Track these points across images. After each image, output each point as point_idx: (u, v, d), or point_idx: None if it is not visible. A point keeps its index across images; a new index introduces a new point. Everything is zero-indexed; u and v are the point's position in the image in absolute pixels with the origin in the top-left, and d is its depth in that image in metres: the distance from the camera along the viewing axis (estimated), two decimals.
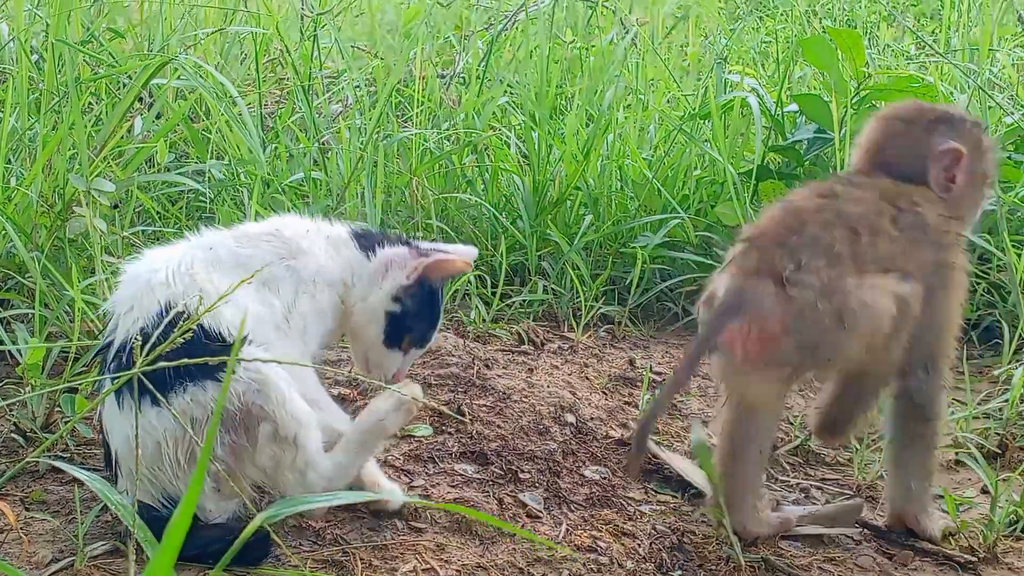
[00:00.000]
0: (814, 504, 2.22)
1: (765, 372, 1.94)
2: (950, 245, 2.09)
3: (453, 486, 2.04)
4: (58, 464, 1.62)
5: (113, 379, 1.70)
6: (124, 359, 1.74)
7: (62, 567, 1.71)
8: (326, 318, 1.98)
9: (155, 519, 1.68)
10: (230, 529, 1.74)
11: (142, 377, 1.52)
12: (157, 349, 1.51)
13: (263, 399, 1.74)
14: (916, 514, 2.13)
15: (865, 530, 2.12)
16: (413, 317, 2.00)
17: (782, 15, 5.76)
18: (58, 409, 2.08)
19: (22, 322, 2.38)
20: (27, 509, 1.87)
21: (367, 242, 2.03)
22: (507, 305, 3.00)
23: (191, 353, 1.59)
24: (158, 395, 1.62)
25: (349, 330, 2.03)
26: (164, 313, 1.74)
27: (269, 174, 3.09)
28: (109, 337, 1.79)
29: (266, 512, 0.86)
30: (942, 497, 2.23)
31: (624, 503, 2.10)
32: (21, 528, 1.80)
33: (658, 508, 2.12)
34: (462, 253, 2.10)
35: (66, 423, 2.01)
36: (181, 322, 1.67)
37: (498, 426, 2.22)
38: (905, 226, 2.03)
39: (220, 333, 1.76)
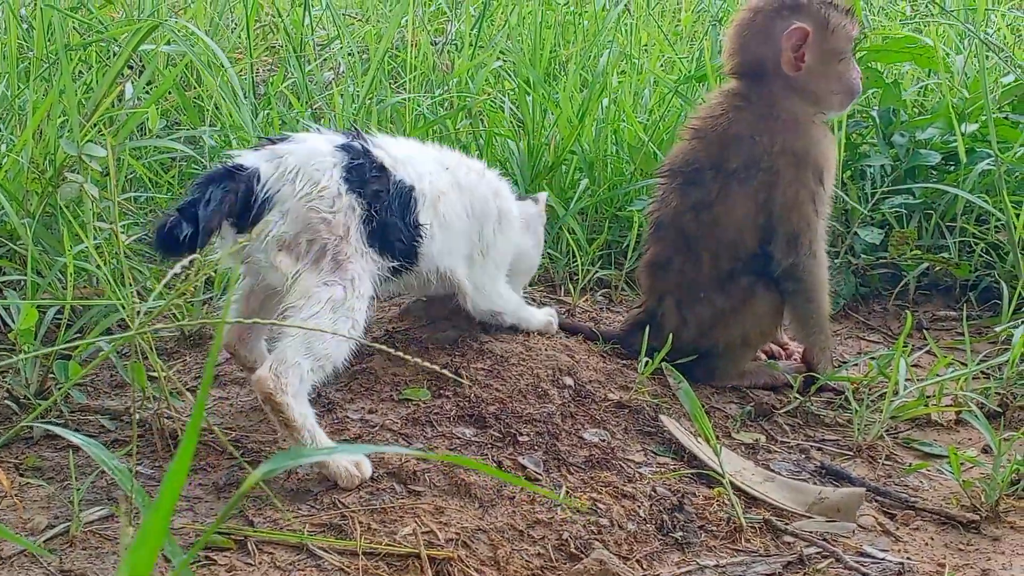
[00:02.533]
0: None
1: None
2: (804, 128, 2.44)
3: (451, 449, 2.02)
4: (54, 429, 1.60)
5: (112, 339, 1.68)
6: (371, 161, 2.04)
7: (57, 533, 1.70)
8: (507, 252, 2.40)
9: (248, 184, 1.90)
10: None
11: (140, 340, 1.50)
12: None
13: (358, 276, 1.96)
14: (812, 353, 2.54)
15: (867, 491, 2.11)
16: None
17: None
18: (52, 376, 2.06)
19: (14, 289, 2.36)
20: (21, 475, 1.85)
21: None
22: None
23: (399, 216, 2.05)
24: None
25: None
26: (411, 190, 2.08)
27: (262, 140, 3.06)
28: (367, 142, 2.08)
29: (263, 467, 0.84)
30: (946, 457, 2.22)
31: (624, 465, 2.08)
32: (16, 494, 1.78)
33: (658, 470, 2.11)
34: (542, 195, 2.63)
35: (59, 389, 1.99)
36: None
37: (496, 389, 2.20)
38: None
39: (419, 222, 2.10)
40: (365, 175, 1.99)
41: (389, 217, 2.02)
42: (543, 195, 2.60)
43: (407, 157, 2.12)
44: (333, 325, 1.87)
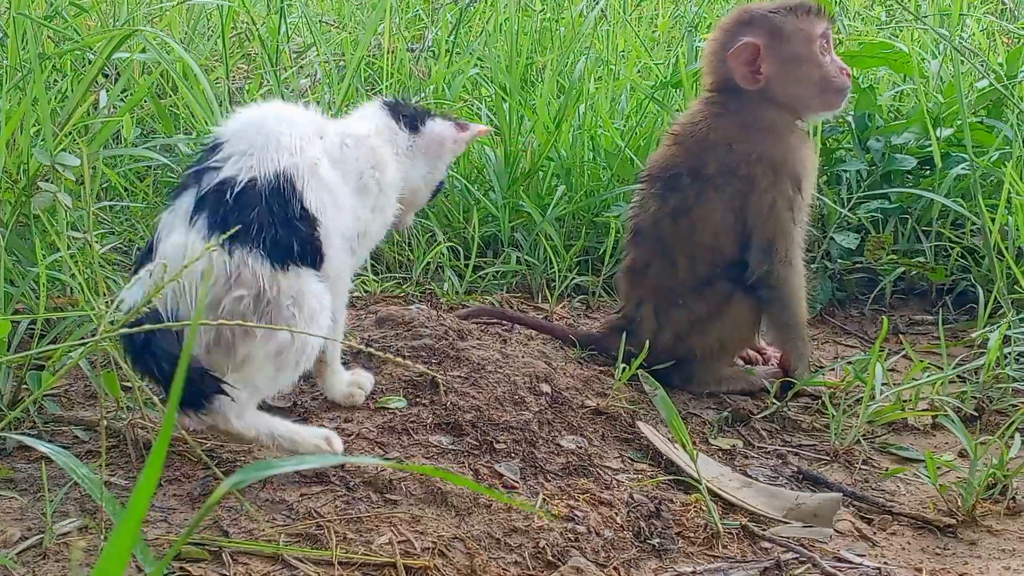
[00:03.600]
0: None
1: None
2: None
3: (428, 458, 2.01)
4: (26, 440, 1.58)
5: (81, 347, 1.67)
6: (229, 195, 1.81)
7: (31, 545, 1.68)
8: (383, 232, 2.14)
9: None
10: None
11: (111, 349, 1.49)
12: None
13: (297, 312, 1.83)
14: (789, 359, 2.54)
15: (844, 496, 2.11)
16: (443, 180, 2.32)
17: None
18: (25, 386, 2.05)
19: None
20: None
21: (410, 117, 2.20)
22: (480, 277, 2.98)
23: (287, 224, 1.81)
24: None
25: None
26: (280, 177, 1.84)
27: None
28: (213, 161, 1.86)
29: (232, 478, 0.84)
30: (922, 461, 2.23)
31: (601, 472, 2.08)
32: None
33: (635, 477, 2.10)
34: (481, 127, 2.36)
35: (34, 400, 1.98)
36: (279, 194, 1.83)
37: (473, 397, 2.19)
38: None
39: (314, 216, 1.87)
40: (231, 215, 1.78)
41: (279, 230, 1.81)
42: (477, 128, 2.33)
43: (267, 133, 1.88)
44: (283, 377, 1.87)
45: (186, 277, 1.74)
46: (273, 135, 1.89)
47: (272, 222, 1.80)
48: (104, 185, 2.90)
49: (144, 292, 1.72)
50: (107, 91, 3.00)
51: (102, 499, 1.38)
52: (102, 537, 1.65)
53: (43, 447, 1.41)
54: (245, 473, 0.86)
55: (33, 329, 2.22)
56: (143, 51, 3.05)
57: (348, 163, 2.02)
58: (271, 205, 1.82)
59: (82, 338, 2.16)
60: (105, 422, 1.63)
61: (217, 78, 3.41)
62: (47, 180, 2.35)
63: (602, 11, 4.35)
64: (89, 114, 2.77)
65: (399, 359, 1.76)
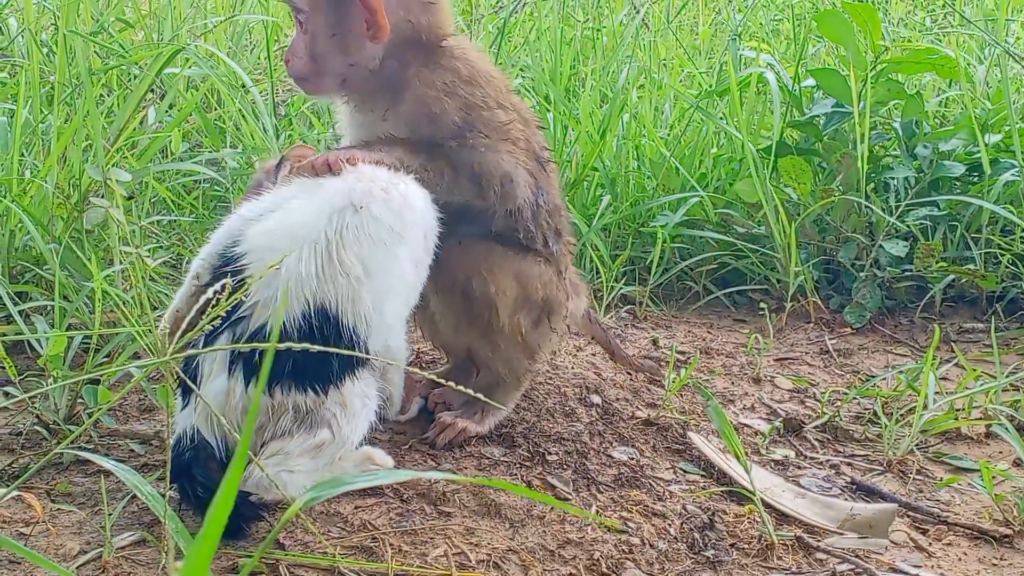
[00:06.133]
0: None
1: None
2: None
3: (480, 470, 2.02)
4: (86, 455, 1.60)
5: (142, 368, 1.68)
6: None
7: (90, 559, 1.69)
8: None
9: (207, 456, 1.74)
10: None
11: (172, 362, 1.50)
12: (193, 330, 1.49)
13: (340, 412, 1.80)
14: None
15: (898, 506, 2.10)
16: None
17: None
18: (81, 401, 2.07)
19: (41, 315, 2.36)
20: (53, 501, 1.85)
21: None
22: None
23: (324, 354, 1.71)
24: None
25: None
26: (311, 315, 1.77)
27: None
28: (243, 310, 1.78)
29: (306, 495, 0.84)
30: (977, 470, 2.21)
31: (653, 483, 2.07)
32: (48, 520, 1.78)
33: (688, 488, 2.10)
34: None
35: (89, 414, 1.99)
36: None
37: (523, 408, 2.20)
38: None
39: (355, 328, 1.80)
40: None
41: (318, 362, 1.77)
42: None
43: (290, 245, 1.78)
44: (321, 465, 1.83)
45: (229, 415, 1.74)
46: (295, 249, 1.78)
47: (309, 355, 1.70)
48: (153, 199, 2.92)
49: (192, 421, 1.75)
50: (155, 106, 3.03)
51: (165, 516, 1.39)
52: (162, 551, 1.66)
53: (107, 463, 1.42)
54: (319, 490, 0.87)
55: (87, 344, 2.23)
56: (189, 66, 3.07)
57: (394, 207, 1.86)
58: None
59: (136, 353, 2.18)
60: (170, 440, 1.63)
61: (262, 91, 3.44)
62: (99, 195, 2.38)
63: (643, 20, 4.35)
64: (135, 130, 2.79)
65: (453, 385, 1.76)
